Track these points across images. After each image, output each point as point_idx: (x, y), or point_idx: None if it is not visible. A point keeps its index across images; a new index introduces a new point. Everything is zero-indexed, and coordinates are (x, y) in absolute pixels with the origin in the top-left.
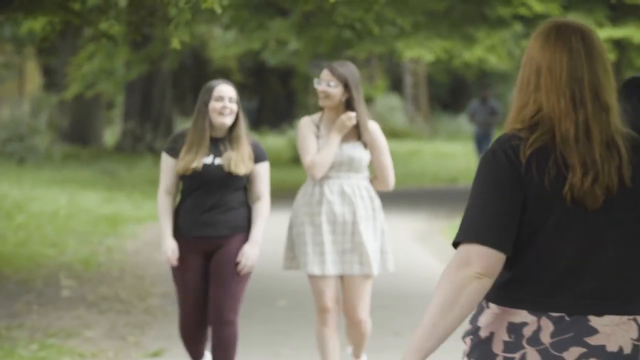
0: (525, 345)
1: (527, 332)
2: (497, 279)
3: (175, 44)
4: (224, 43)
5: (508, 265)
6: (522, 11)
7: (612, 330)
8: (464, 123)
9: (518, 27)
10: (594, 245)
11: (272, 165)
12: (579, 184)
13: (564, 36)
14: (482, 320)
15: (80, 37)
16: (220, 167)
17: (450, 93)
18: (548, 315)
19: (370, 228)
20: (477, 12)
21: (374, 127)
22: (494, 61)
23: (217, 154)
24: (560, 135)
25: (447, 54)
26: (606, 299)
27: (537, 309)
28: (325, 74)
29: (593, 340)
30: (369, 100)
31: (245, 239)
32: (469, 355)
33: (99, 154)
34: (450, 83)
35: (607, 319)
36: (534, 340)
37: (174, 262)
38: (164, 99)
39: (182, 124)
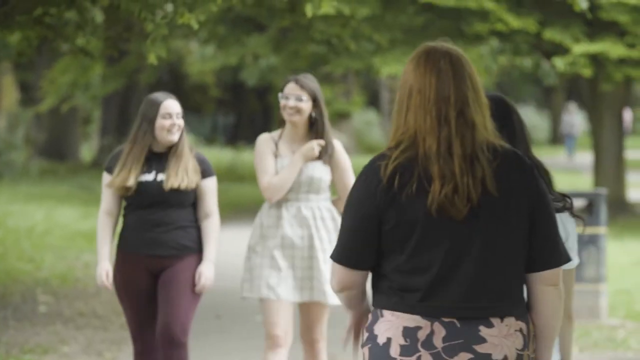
0: (420, 349)
1: (422, 335)
2: (388, 287)
3: (152, 59)
4: (201, 58)
5: (393, 274)
6: (499, 27)
7: (499, 341)
8: None
9: (495, 43)
10: (462, 253)
11: (249, 182)
12: (438, 195)
13: (433, 59)
14: (378, 328)
15: (57, 52)
16: (163, 183)
17: None
18: (441, 321)
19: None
20: (454, 28)
21: (337, 146)
22: None
23: (160, 169)
24: (424, 150)
25: None
26: (477, 302)
27: (428, 315)
28: (293, 87)
29: (481, 349)
30: (346, 116)
31: (196, 259)
32: None
33: (75, 170)
34: None
35: (496, 330)
36: (428, 343)
37: (108, 285)
38: None
39: None
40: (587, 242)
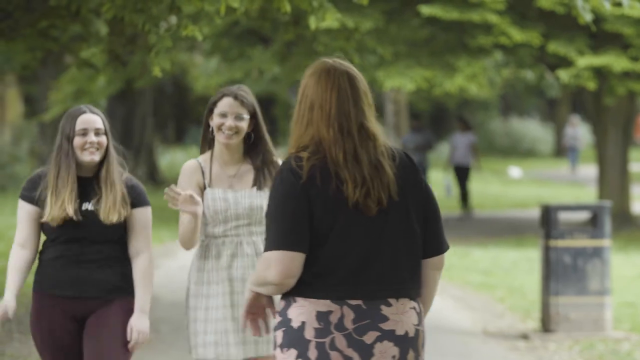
0: (333, 331)
1: (334, 319)
2: (304, 277)
3: (156, 71)
4: (205, 72)
5: (308, 263)
6: (503, 40)
7: (399, 318)
8: (444, 150)
9: (498, 56)
10: (374, 244)
11: None
12: (352, 196)
13: (333, 77)
14: (292, 313)
15: (61, 64)
16: (89, 213)
17: (432, 121)
18: (348, 304)
19: None
20: (457, 42)
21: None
22: (475, 89)
23: (86, 198)
24: (332, 159)
25: (428, 83)
26: (387, 286)
27: (338, 298)
28: (231, 104)
29: (385, 326)
30: None
31: (128, 303)
32: (282, 345)
33: None
34: (431, 111)
35: (394, 309)
36: (340, 326)
37: (4, 318)
38: (144, 127)
39: (163, 152)
40: (592, 254)
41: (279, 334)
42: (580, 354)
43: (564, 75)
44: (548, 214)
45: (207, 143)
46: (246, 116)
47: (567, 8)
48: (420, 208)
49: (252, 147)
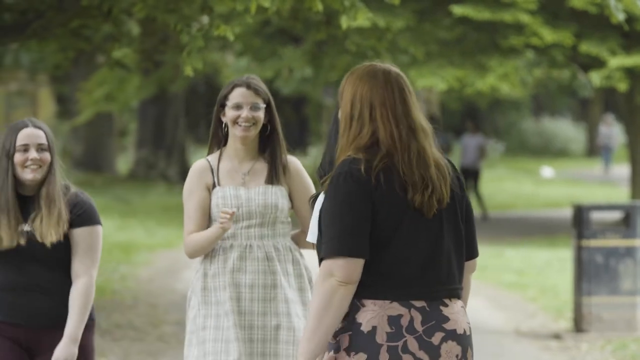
0: (405, 334)
1: (404, 322)
2: (367, 279)
3: (188, 71)
4: (236, 71)
5: (373, 266)
6: (534, 41)
7: (456, 317)
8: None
9: (530, 55)
10: (433, 245)
11: None
12: (420, 197)
13: (390, 77)
14: (361, 317)
15: (93, 64)
16: (31, 235)
17: (463, 120)
18: (414, 306)
19: (296, 302)
20: (489, 41)
21: (294, 165)
22: (507, 89)
23: (27, 218)
24: (401, 159)
25: (460, 83)
26: (445, 286)
27: (402, 300)
28: (246, 94)
29: (448, 326)
30: None
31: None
32: (348, 349)
33: (112, 182)
34: (462, 110)
35: (450, 309)
36: (411, 328)
37: None
38: (176, 127)
39: (195, 151)
40: (624, 254)
41: (345, 338)
42: (612, 354)
43: (595, 77)
44: (580, 214)
45: (217, 143)
46: (262, 105)
47: (599, 8)
48: (464, 210)
49: (266, 140)
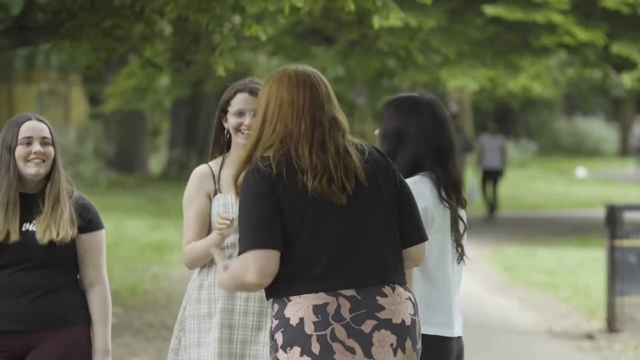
0: (332, 322)
1: (330, 310)
2: (287, 274)
3: (220, 71)
4: (268, 71)
5: (286, 261)
6: (567, 40)
7: (395, 307)
8: (510, 150)
9: (562, 55)
10: (350, 232)
11: None
12: (316, 184)
13: (301, 76)
14: (289, 312)
15: (125, 64)
16: (29, 234)
17: (495, 120)
18: (342, 295)
19: None
20: (521, 41)
21: None
22: (539, 89)
23: (29, 217)
24: (297, 151)
25: (492, 83)
26: (373, 272)
27: (333, 290)
28: (248, 100)
29: (382, 315)
30: None
31: (69, 337)
32: (283, 345)
33: (144, 181)
34: (494, 110)
35: (391, 299)
36: (337, 316)
37: None
38: (209, 126)
39: None
40: None
41: (279, 336)
42: None
43: (627, 79)
44: (613, 214)
45: (219, 149)
46: None
47: (631, 8)
48: (394, 195)
49: None
